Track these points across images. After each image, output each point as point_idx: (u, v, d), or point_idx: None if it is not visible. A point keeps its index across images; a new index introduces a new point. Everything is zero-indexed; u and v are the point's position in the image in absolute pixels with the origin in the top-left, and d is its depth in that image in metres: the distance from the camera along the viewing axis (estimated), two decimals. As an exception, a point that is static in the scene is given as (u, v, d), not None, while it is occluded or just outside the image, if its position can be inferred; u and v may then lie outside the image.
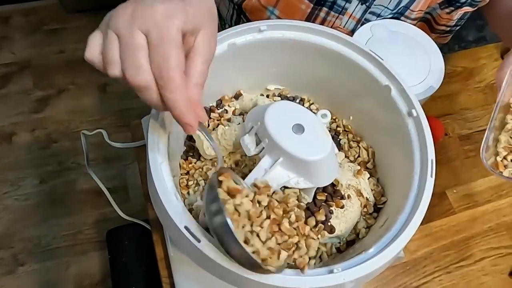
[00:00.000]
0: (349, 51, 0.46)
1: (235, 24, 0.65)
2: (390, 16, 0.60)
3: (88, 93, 1.50)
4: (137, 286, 0.79)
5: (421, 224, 0.38)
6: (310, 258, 0.45)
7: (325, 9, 0.58)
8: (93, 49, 0.31)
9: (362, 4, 0.58)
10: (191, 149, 0.49)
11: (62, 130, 1.44)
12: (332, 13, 0.59)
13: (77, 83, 1.52)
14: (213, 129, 0.49)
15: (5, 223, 1.28)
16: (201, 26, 0.32)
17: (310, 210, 0.43)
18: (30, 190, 1.33)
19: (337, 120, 0.53)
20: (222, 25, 0.73)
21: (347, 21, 0.60)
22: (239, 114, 0.51)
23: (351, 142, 0.52)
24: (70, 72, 1.54)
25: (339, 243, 0.46)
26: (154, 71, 0.29)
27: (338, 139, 0.52)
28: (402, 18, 0.61)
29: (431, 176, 0.39)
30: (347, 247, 0.46)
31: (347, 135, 0.52)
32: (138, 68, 0.29)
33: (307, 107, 0.52)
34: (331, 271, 0.35)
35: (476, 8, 0.62)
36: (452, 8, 0.61)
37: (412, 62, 0.54)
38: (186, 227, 0.34)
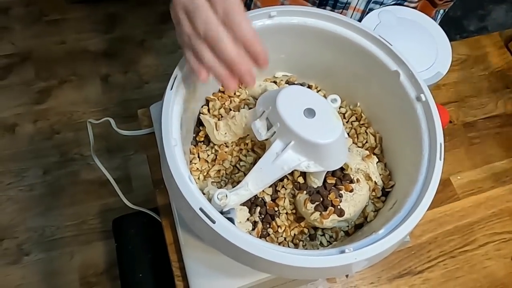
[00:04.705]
0: (358, 37, 0.47)
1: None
2: (393, 3, 0.61)
3: (90, 84, 1.50)
4: (144, 274, 0.80)
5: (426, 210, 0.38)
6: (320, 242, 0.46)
7: (328, 7, 0.59)
8: (183, 42, 0.36)
9: None
10: (201, 135, 0.50)
11: (64, 121, 1.44)
12: (336, 10, 0.59)
13: (79, 74, 1.52)
14: (222, 116, 0.49)
15: (9, 213, 1.29)
16: None
17: (320, 194, 0.44)
18: (34, 180, 1.34)
19: (345, 106, 0.54)
20: None
21: (352, 15, 0.60)
22: (247, 100, 0.52)
23: (359, 128, 0.52)
24: (71, 63, 1.53)
25: (348, 226, 0.47)
26: (220, 18, 0.33)
27: (346, 125, 0.53)
28: (406, 3, 0.61)
29: (440, 159, 0.40)
30: (355, 230, 0.47)
31: (355, 121, 0.53)
32: (206, 20, 0.33)
33: (315, 93, 0.53)
34: (342, 251, 0.35)
35: None
36: None
37: (419, 48, 0.54)
38: (201, 209, 0.35)
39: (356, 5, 0.59)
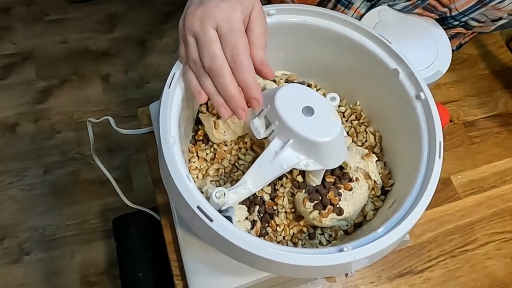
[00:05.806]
0: (357, 35, 0.47)
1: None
2: None
3: (91, 83, 1.50)
4: (144, 273, 0.80)
5: (426, 209, 0.38)
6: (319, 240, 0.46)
7: (333, 0, 0.59)
8: (183, 58, 0.39)
9: (367, 2, 0.58)
10: (200, 134, 0.50)
11: (65, 120, 1.44)
12: (339, 6, 0.60)
13: (80, 73, 1.52)
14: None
15: (10, 212, 1.29)
16: (253, 4, 0.38)
17: (319, 192, 0.43)
18: (35, 180, 1.34)
19: (344, 104, 0.54)
20: None
21: (352, 15, 0.61)
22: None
23: (358, 127, 0.52)
24: (72, 62, 1.54)
25: (347, 225, 0.46)
26: (227, 57, 0.35)
27: (345, 124, 0.52)
28: None
29: (439, 158, 0.40)
30: (355, 229, 0.47)
31: (354, 120, 0.53)
32: (214, 56, 0.35)
33: (314, 92, 0.52)
34: (341, 250, 0.35)
35: (471, 31, 0.62)
36: (445, 27, 0.61)
37: (419, 46, 0.54)
38: (198, 207, 0.35)
39: (358, 7, 0.59)
